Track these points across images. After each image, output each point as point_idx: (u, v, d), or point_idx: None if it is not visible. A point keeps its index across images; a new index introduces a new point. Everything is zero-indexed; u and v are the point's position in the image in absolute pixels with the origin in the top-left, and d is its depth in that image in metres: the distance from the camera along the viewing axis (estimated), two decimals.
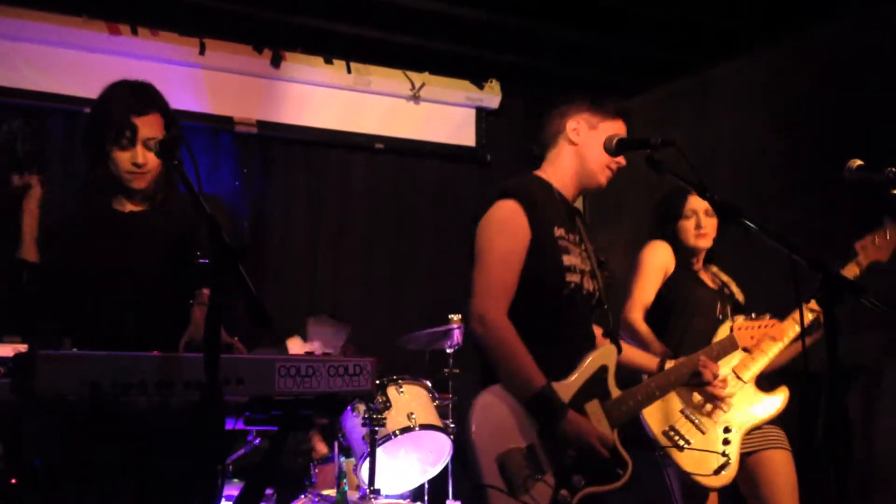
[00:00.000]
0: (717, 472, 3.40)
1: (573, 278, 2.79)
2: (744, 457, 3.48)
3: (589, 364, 2.81)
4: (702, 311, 3.64)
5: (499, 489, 2.61)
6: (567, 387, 2.75)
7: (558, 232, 2.81)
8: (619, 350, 2.93)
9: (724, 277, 3.80)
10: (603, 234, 2.94)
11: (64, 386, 2.05)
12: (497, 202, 2.78)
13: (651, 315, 3.70)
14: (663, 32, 5.27)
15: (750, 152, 5.07)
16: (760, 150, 5.00)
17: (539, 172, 2.95)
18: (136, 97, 2.73)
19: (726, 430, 3.46)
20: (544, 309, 2.78)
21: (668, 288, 3.69)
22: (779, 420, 3.57)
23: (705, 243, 3.70)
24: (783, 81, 4.97)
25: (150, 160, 2.71)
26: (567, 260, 2.79)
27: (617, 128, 2.90)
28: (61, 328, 2.56)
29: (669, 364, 3.23)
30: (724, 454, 3.41)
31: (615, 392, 2.83)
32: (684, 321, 3.63)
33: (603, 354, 2.85)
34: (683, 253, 3.72)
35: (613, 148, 2.82)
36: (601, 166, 2.89)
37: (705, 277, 3.78)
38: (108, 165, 2.72)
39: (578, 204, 3.10)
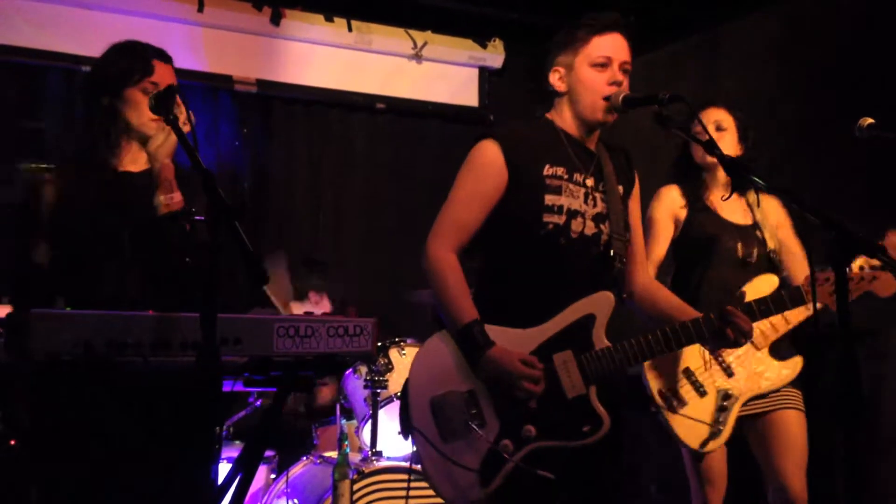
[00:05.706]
0: (704, 443, 3.26)
1: (554, 219, 2.63)
2: (755, 419, 3.35)
3: (571, 311, 2.60)
4: (720, 258, 3.38)
5: (424, 436, 2.51)
6: (537, 333, 2.60)
7: (549, 171, 2.68)
8: (621, 301, 2.72)
9: (759, 216, 3.43)
10: None
11: (58, 345, 2.02)
12: (476, 143, 2.73)
13: (675, 269, 3.50)
14: None
15: (758, 111, 4.98)
16: (769, 108, 4.92)
17: (548, 114, 2.83)
18: (154, 48, 2.72)
19: (726, 396, 3.28)
20: (520, 249, 2.67)
21: (683, 235, 3.45)
22: (797, 381, 3.39)
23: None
24: (792, 39, 4.89)
25: None
26: (551, 199, 2.64)
27: (595, 49, 2.69)
28: (58, 288, 2.53)
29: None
30: (715, 423, 3.25)
31: (601, 344, 2.59)
32: (700, 271, 3.39)
33: (593, 302, 2.61)
34: (697, 186, 3.47)
35: (619, 104, 2.69)
36: (594, 106, 2.70)
37: (732, 211, 3.45)
38: (120, 114, 2.66)
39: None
